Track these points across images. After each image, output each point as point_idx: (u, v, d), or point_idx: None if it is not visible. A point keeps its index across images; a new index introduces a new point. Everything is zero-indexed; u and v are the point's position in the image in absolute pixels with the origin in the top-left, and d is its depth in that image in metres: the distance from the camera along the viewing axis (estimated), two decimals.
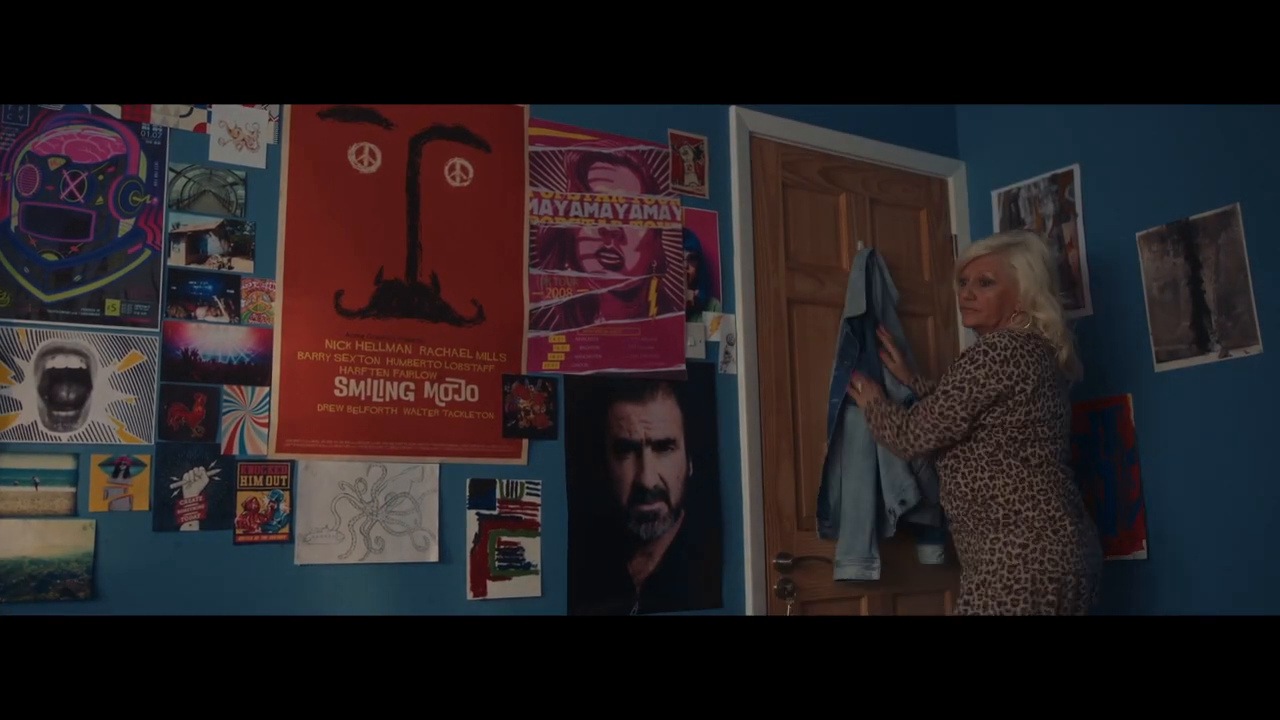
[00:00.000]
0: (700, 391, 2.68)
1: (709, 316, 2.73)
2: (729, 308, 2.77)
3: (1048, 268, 2.46)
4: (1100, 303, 2.90)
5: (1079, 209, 2.98)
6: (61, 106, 2.04)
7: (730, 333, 2.75)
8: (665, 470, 2.59)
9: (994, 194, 3.24)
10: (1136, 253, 2.80)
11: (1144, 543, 2.72)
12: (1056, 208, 3.04)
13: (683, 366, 2.65)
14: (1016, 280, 2.44)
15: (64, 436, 1.96)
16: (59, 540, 1.91)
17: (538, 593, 2.37)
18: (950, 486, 2.47)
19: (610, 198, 2.64)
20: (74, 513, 1.94)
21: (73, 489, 1.94)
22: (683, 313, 2.68)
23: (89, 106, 2.07)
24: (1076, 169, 2.99)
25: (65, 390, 1.97)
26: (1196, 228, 2.67)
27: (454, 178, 2.44)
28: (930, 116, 3.32)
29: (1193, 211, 2.68)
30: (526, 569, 2.37)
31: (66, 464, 1.95)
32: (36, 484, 1.92)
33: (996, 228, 3.18)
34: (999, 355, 2.36)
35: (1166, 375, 2.72)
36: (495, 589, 2.32)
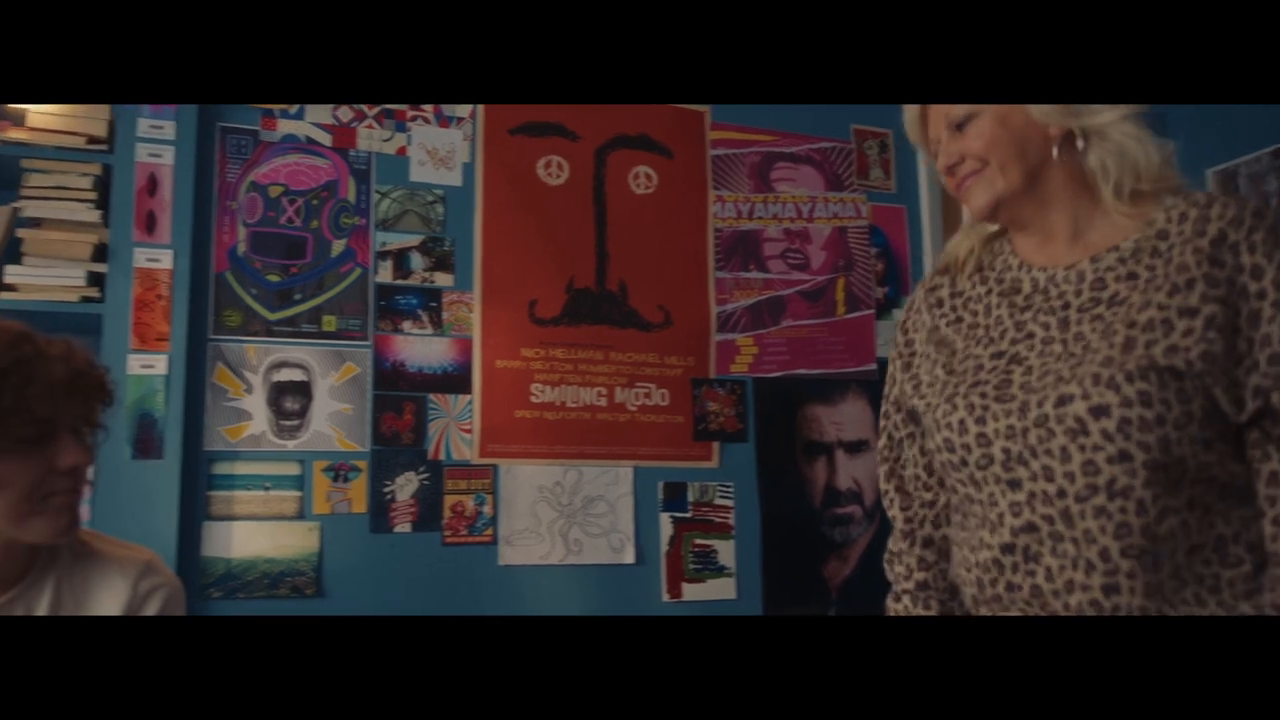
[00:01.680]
0: None
1: (899, 314, 2.65)
2: None
3: None
4: None
5: None
6: (280, 138, 2.20)
7: None
8: (858, 472, 2.53)
9: (1208, 173, 3.01)
10: None
11: None
12: None
13: (873, 366, 2.59)
14: None
15: (290, 444, 2.10)
16: (288, 540, 2.06)
17: (733, 595, 2.36)
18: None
19: (793, 197, 2.62)
20: (300, 515, 2.08)
21: (299, 493, 2.08)
22: (872, 311, 2.62)
23: (304, 137, 2.22)
24: None
25: (290, 401, 2.12)
26: None
27: (638, 185, 2.48)
28: None
29: None
30: (720, 572, 2.37)
31: (293, 470, 2.09)
32: (267, 489, 2.07)
33: None
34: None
35: None
36: (690, 591, 2.33)
